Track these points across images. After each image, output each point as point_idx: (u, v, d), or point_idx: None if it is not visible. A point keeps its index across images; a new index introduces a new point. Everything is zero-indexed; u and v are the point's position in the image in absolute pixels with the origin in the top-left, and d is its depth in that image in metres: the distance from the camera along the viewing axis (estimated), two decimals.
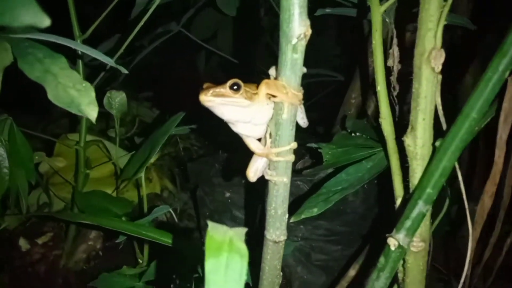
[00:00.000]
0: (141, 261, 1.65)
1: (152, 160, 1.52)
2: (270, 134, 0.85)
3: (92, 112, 0.81)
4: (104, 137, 1.92)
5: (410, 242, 0.91)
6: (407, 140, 0.92)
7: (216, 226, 0.63)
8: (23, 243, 1.65)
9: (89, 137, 1.73)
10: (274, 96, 0.78)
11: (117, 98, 1.69)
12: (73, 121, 2.06)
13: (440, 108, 0.88)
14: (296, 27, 0.69)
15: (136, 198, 1.89)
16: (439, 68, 0.85)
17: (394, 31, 1.10)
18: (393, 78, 1.10)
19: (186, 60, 3.48)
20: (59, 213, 1.38)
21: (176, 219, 1.54)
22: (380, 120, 1.04)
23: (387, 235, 0.92)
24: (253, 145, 0.89)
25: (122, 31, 1.94)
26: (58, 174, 1.77)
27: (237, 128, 0.88)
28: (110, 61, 0.98)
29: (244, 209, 1.68)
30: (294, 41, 0.70)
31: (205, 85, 0.84)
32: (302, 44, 0.71)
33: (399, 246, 0.90)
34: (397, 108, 1.13)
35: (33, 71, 0.77)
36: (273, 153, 0.83)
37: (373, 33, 1.01)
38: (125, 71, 1.01)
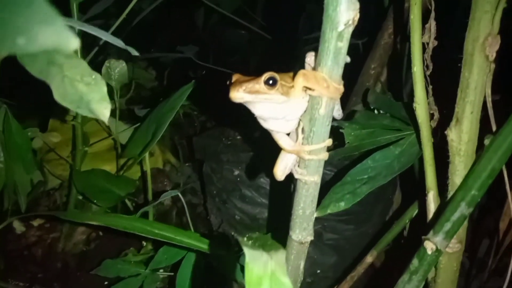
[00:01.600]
0: (145, 244, 1.59)
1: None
2: (303, 129, 0.75)
3: (104, 111, 0.70)
4: None
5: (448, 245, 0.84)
6: (451, 134, 0.83)
7: (255, 255, 0.54)
8: (17, 226, 1.57)
9: None
10: (311, 89, 0.68)
11: (117, 68, 1.57)
12: None
13: (489, 100, 0.78)
14: (344, 12, 0.59)
15: (138, 174, 1.80)
16: (493, 56, 0.75)
17: (433, 3, 0.97)
18: (427, 56, 0.99)
19: (184, 18, 3.29)
20: (63, 213, 1.28)
21: (181, 198, 1.44)
22: (414, 105, 0.95)
23: (423, 237, 0.85)
24: (282, 141, 0.80)
25: None
26: (54, 151, 1.66)
27: (267, 124, 0.78)
28: (120, 43, 0.86)
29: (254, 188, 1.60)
30: (340, 27, 0.60)
31: (234, 77, 0.74)
32: (349, 31, 0.61)
33: (436, 250, 0.83)
34: (429, 89, 1.03)
35: (35, 63, 0.66)
36: (306, 150, 0.74)
37: (412, 6, 0.90)
38: (135, 53, 0.89)
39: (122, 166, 1.61)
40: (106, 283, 1.56)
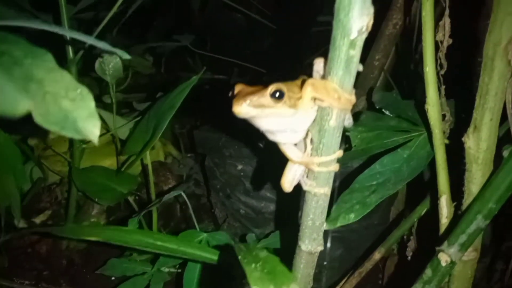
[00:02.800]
0: None
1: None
2: (312, 140, 0.70)
3: (93, 129, 0.63)
4: (99, 104, 1.74)
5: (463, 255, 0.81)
6: (468, 141, 0.78)
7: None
8: (20, 223, 1.54)
9: None
10: (320, 99, 0.63)
11: (111, 64, 1.51)
12: None
13: (510, 107, 0.74)
14: (357, 18, 0.52)
15: (139, 168, 1.77)
16: None
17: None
18: (442, 55, 0.94)
19: (180, 2, 3.20)
20: (60, 229, 1.25)
21: (185, 197, 1.41)
22: (426, 106, 0.90)
23: (437, 248, 0.82)
24: (290, 152, 0.75)
25: None
26: (50, 148, 1.62)
27: (274, 136, 0.73)
28: (107, 47, 0.81)
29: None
30: (353, 35, 0.54)
31: (236, 88, 0.68)
32: (362, 38, 0.55)
33: (451, 262, 0.80)
34: (442, 89, 0.98)
35: (12, 81, 0.59)
36: (315, 162, 0.70)
37: (423, 3, 0.84)
38: (126, 56, 0.83)
39: (123, 163, 1.57)
40: (113, 278, 1.54)
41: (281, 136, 0.72)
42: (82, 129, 0.63)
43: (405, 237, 1.40)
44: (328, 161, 0.69)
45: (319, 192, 0.74)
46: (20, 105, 0.58)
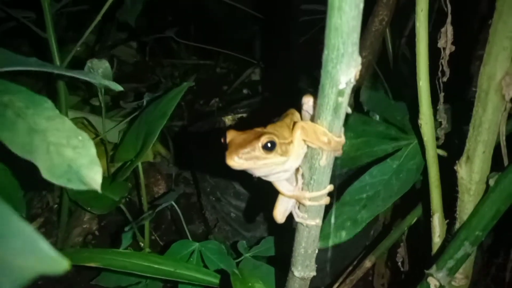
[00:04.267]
0: (142, 244, 1.57)
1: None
2: (303, 175, 0.72)
3: (95, 177, 0.64)
4: (87, 107, 1.71)
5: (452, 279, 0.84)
6: (461, 171, 0.80)
7: None
8: None
9: (71, 113, 1.53)
10: (310, 142, 0.64)
11: (100, 69, 1.47)
12: (52, 97, 1.81)
13: (503, 139, 0.75)
14: (345, 70, 0.53)
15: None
16: (510, 95, 0.70)
17: (449, 6, 0.90)
18: (444, 62, 0.93)
19: None
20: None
21: (176, 207, 1.41)
22: (420, 122, 0.91)
23: (426, 271, 0.85)
24: (282, 187, 0.76)
25: None
26: None
27: (266, 178, 0.74)
28: (99, 80, 0.80)
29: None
30: (342, 86, 0.55)
31: (228, 135, 0.68)
32: (351, 87, 0.55)
33: (440, 286, 0.83)
34: (441, 96, 0.98)
35: (16, 137, 0.59)
36: (306, 197, 0.71)
37: (417, 13, 0.83)
38: (119, 88, 0.82)
39: (114, 173, 1.56)
40: None
41: (273, 177, 0.73)
42: (84, 177, 0.64)
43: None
44: (319, 196, 0.71)
45: (310, 223, 0.76)
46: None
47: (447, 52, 0.92)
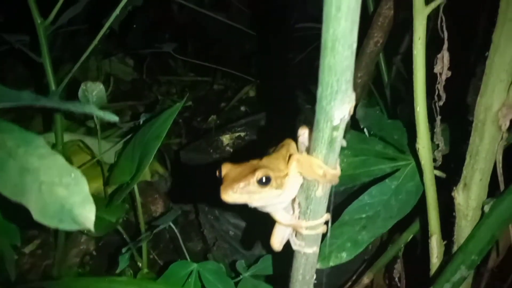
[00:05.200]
0: (140, 264, 1.56)
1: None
2: (299, 204, 0.72)
3: (88, 215, 0.63)
4: (82, 127, 1.71)
5: None
6: (458, 197, 0.80)
7: None
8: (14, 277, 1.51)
9: (66, 136, 1.53)
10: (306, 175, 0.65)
11: (94, 91, 1.47)
12: (47, 119, 1.82)
13: (500, 167, 0.75)
14: (339, 106, 0.53)
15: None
16: (506, 126, 0.70)
17: (445, 32, 0.91)
18: (440, 87, 0.94)
19: (159, 3, 3.13)
20: (58, 283, 1.22)
21: (174, 228, 1.40)
22: (417, 146, 0.91)
23: None
24: (278, 216, 0.76)
25: None
26: None
27: (262, 209, 0.74)
28: (98, 112, 0.79)
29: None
30: (336, 122, 0.55)
31: (224, 169, 0.69)
32: (345, 122, 0.56)
33: None
34: (438, 119, 0.98)
35: (7, 178, 0.59)
36: (303, 226, 0.72)
37: (415, 42, 0.84)
38: (115, 119, 0.82)
39: (111, 194, 1.55)
40: None
41: (269, 208, 0.74)
42: (77, 216, 0.63)
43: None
44: (315, 225, 0.71)
45: (308, 251, 0.76)
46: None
47: (444, 77, 0.93)
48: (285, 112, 1.80)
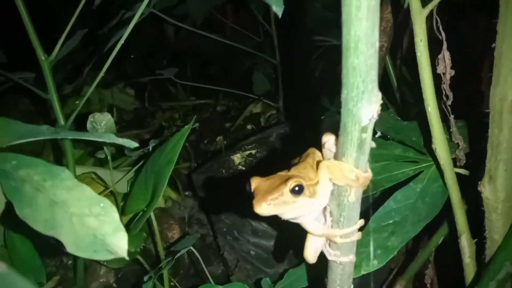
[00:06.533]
0: None
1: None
2: (331, 212, 0.70)
3: (121, 243, 0.62)
4: (91, 159, 1.71)
5: None
6: (485, 191, 0.79)
7: None
8: None
9: (78, 168, 1.52)
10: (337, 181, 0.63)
11: (103, 122, 1.48)
12: (58, 153, 1.82)
13: None
14: (367, 107, 0.53)
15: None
16: None
17: (443, 33, 0.92)
18: (446, 86, 0.94)
19: (154, 28, 3.18)
20: None
21: (194, 252, 1.39)
22: (433, 146, 0.90)
23: None
24: (310, 227, 0.73)
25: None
26: None
27: (294, 220, 0.72)
28: (133, 144, 0.78)
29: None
30: (364, 123, 0.54)
31: (253, 183, 0.67)
32: (373, 122, 0.55)
33: None
34: (452, 118, 0.98)
35: (37, 214, 0.58)
36: (337, 235, 0.70)
37: (417, 44, 0.84)
38: (135, 145, 0.81)
39: (127, 224, 1.54)
40: None
41: (301, 218, 0.71)
42: (111, 245, 0.62)
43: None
44: (350, 232, 0.69)
45: (344, 260, 0.74)
46: None
47: (448, 76, 0.93)
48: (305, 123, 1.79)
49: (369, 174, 0.61)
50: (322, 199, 0.66)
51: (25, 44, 1.32)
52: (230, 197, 1.59)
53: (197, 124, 1.50)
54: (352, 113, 0.54)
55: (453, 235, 1.04)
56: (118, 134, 2.36)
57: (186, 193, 2.05)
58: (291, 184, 0.62)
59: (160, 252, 1.48)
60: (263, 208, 0.62)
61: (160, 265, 1.33)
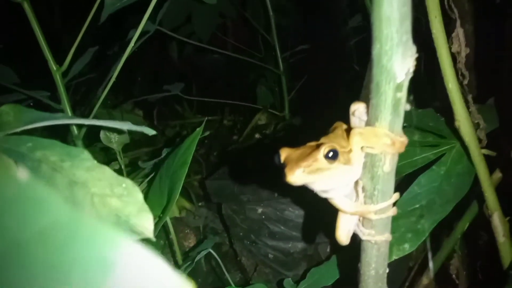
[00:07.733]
0: None
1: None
2: (363, 188, 0.67)
3: (146, 224, 0.60)
4: None
5: None
6: None
7: None
8: None
9: None
10: (372, 148, 0.60)
11: (116, 134, 1.48)
12: None
13: None
14: (402, 61, 0.50)
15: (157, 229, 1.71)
16: None
17: (455, 10, 0.91)
18: (461, 65, 0.93)
19: (158, 50, 3.22)
20: None
21: (214, 254, 1.36)
22: (457, 123, 0.88)
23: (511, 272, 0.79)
24: (342, 205, 0.70)
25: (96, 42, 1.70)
26: None
27: (326, 194, 0.69)
28: (151, 132, 0.77)
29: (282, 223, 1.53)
30: (400, 79, 0.51)
31: (283, 153, 0.64)
32: (408, 79, 0.52)
33: None
34: (470, 98, 0.96)
35: (57, 191, 0.55)
36: (372, 211, 0.66)
37: (432, 21, 0.83)
38: (152, 132, 0.80)
39: None
40: None
41: (334, 192, 0.68)
42: (136, 226, 0.59)
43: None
44: (385, 207, 0.66)
45: (379, 239, 0.71)
46: None
47: (463, 54, 0.92)
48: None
49: (405, 139, 0.58)
50: (356, 168, 0.63)
51: (37, 63, 1.33)
52: (245, 201, 1.57)
53: (207, 132, 1.49)
54: (386, 70, 0.51)
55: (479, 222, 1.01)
56: (128, 154, 2.35)
57: (200, 203, 2.03)
58: (325, 149, 0.59)
59: (178, 258, 1.46)
60: (296, 176, 0.59)
61: (181, 268, 1.30)
